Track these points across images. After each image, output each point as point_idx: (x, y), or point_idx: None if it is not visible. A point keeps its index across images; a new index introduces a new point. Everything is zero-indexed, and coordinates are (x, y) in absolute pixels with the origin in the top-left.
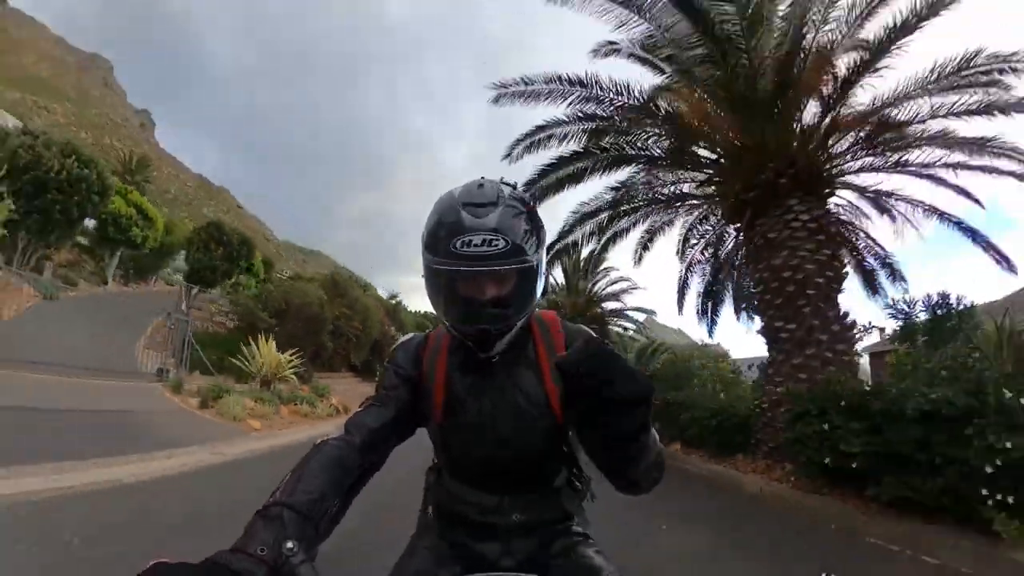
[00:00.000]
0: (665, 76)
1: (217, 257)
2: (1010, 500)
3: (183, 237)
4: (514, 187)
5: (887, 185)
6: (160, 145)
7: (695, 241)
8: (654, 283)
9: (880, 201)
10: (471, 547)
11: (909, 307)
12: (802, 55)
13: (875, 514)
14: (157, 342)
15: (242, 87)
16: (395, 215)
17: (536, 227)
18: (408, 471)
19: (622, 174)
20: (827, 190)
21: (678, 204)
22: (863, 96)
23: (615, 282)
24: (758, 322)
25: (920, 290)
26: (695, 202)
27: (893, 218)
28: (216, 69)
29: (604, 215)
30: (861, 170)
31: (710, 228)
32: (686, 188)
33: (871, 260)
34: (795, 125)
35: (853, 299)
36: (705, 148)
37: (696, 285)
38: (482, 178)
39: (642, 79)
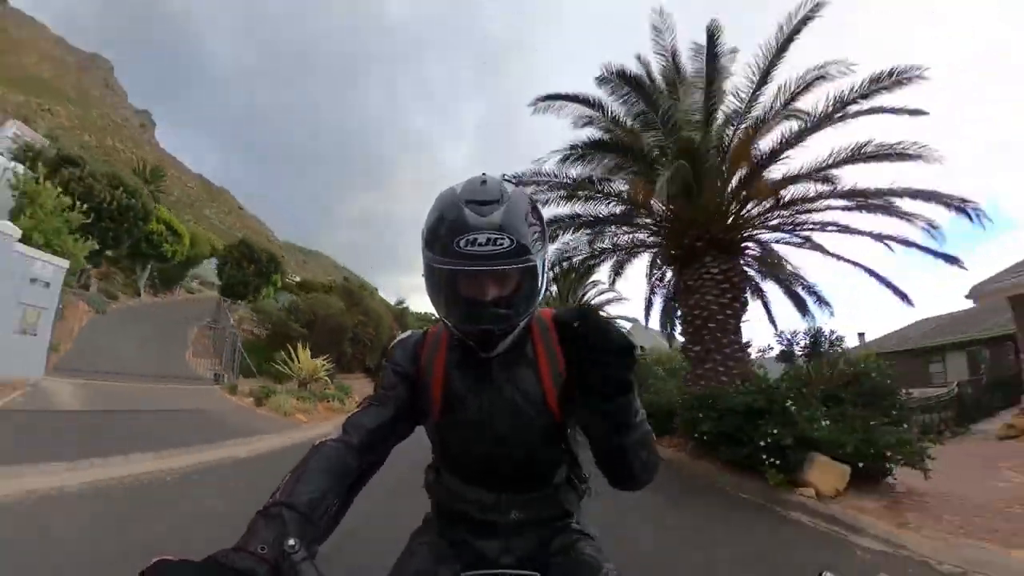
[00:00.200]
0: (617, 161)
1: (249, 273)
2: (776, 462)
3: (205, 249)
4: (516, 184)
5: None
6: (161, 146)
7: (656, 271)
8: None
9: (772, 259)
10: (471, 545)
11: (791, 337)
12: (712, 153)
13: (720, 469)
14: (201, 349)
15: (241, 87)
16: (395, 215)
17: (539, 225)
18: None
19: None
20: (743, 243)
21: (636, 249)
22: (776, 171)
23: (602, 292)
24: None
25: (858, 312)
26: (649, 248)
27: (779, 280)
28: (216, 69)
29: (584, 253)
30: (770, 229)
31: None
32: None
33: (800, 290)
34: (710, 203)
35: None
36: (647, 217)
37: (658, 304)
38: (484, 175)
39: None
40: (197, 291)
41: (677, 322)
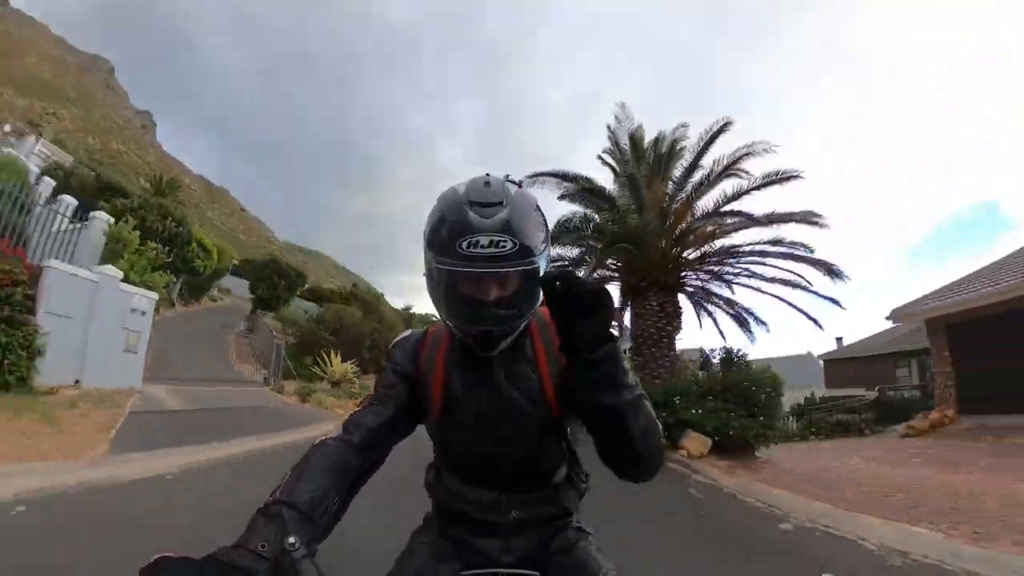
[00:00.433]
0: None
1: (280, 288)
2: (665, 433)
3: (228, 262)
4: (519, 185)
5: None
6: (163, 148)
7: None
8: None
9: (699, 297)
10: (471, 544)
11: (710, 352)
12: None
13: None
14: (243, 355)
15: (241, 87)
16: (394, 215)
17: (542, 226)
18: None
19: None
20: (680, 282)
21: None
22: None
23: None
24: None
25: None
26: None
27: (718, 306)
28: (216, 69)
29: None
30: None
31: None
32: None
33: (742, 311)
34: (652, 257)
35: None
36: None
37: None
38: (487, 175)
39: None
40: (218, 299)
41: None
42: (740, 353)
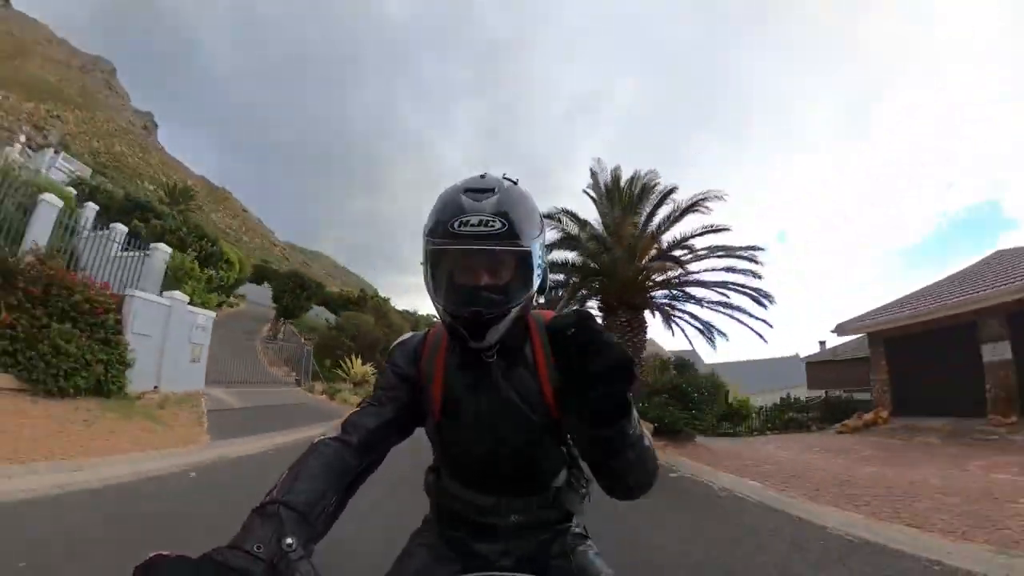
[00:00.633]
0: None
1: (302, 298)
2: None
3: (247, 271)
4: (515, 183)
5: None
6: (165, 150)
7: None
8: None
9: (666, 309)
10: (470, 546)
11: (667, 359)
12: (624, 254)
13: None
14: (272, 359)
15: (241, 87)
16: (394, 215)
17: (533, 217)
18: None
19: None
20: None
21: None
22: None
23: None
24: None
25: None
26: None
27: (668, 318)
28: (216, 69)
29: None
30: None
31: None
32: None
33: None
34: (621, 280)
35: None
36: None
37: None
38: (485, 173)
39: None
40: (235, 304)
41: None
42: (688, 360)
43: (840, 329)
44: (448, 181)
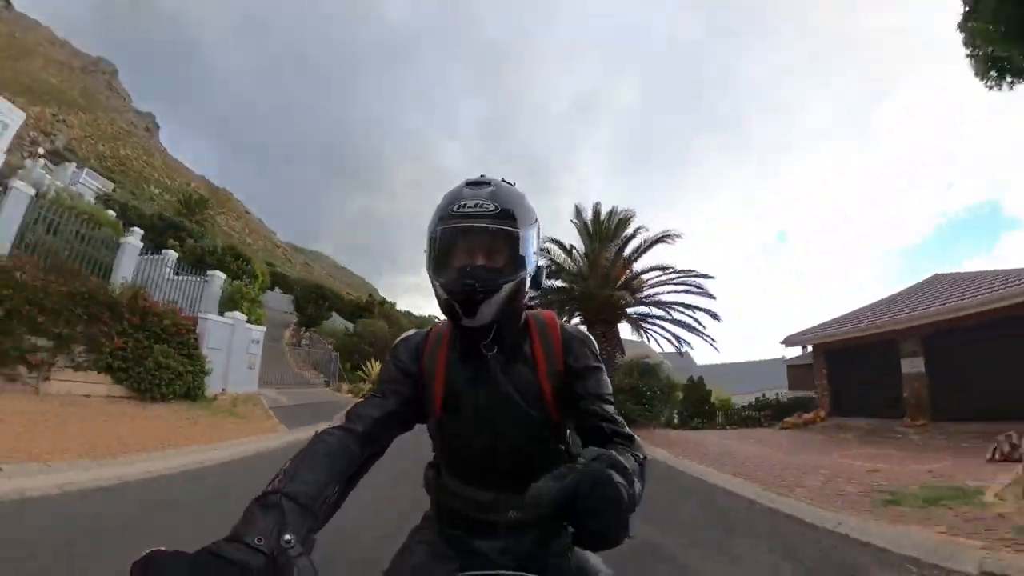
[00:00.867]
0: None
1: (324, 308)
2: None
3: (267, 281)
4: (512, 184)
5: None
6: (167, 151)
7: None
8: None
9: (636, 323)
10: (469, 543)
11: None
12: (600, 280)
13: None
14: (300, 362)
15: (241, 88)
16: (394, 215)
17: (527, 208)
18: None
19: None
20: (619, 317)
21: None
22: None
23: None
24: None
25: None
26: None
27: (639, 328)
28: (216, 70)
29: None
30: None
31: None
32: None
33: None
34: (597, 299)
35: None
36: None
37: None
38: (484, 174)
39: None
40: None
41: None
42: (659, 363)
43: (788, 341)
44: (448, 181)
